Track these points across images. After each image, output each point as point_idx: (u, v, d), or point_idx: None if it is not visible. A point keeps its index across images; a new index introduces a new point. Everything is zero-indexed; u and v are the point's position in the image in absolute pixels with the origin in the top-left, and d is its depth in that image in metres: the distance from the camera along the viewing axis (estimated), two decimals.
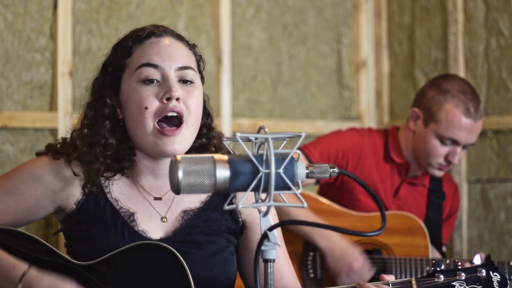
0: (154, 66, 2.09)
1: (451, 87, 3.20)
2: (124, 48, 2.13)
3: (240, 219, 2.22)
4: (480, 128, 3.21)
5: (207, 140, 2.21)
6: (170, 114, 2.07)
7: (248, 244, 2.23)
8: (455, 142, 3.18)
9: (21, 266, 2.05)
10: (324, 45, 4.23)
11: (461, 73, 3.94)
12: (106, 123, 2.12)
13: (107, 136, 2.12)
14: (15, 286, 2.03)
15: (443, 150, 3.20)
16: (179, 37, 2.17)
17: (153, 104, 2.07)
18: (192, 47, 2.19)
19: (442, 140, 3.19)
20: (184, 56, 2.13)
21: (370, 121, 4.28)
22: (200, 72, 2.21)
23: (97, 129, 2.12)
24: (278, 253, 2.18)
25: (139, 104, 2.07)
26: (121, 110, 2.14)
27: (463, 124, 3.16)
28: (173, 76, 2.09)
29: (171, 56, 2.10)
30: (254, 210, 2.22)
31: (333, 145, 3.29)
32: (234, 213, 2.21)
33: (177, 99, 2.07)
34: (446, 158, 3.21)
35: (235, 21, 3.91)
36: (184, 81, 2.12)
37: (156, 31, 2.13)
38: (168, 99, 2.06)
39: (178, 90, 2.07)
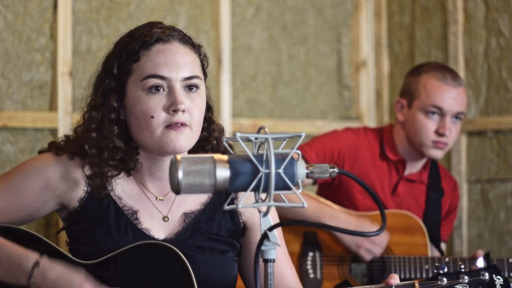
0: (161, 77, 2.09)
1: (427, 67, 3.28)
2: (130, 52, 2.12)
3: (241, 221, 2.22)
4: (462, 96, 3.22)
5: (208, 133, 2.21)
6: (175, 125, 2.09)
7: (249, 246, 2.23)
8: (440, 111, 3.19)
9: (33, 255, 2.07)
10: (324, 45, 4.23)
11: (461, 73, 3.94)
12: (114, 128, 2.13)
13: (115, 141, 2.12)
14: (27, 274, 2.05)
15: (431, 124, 3.21)
16: (185, 40, 2.15)
17: (159, 114, 2.08)
18: (197, 48, 2.18)
19: (427, 112, 3.20)
20: (190, 64, 2.12)
21: (370, 121, 4.28)
22: (204, 70, 2.21)
23: (105, 134, 2.13)
24: (279, 254, 2.18)
25: (145, 113, 2.08)
26: (124, 112, 2.14)
27: (442, 90, 3.19)
28: (179, 87, 2.09)
29: (178, 66, 2.09)
30: (256, 211, 2.22)
31: (329, 145, 3.29)
32: (235, 215, 2.21)
33: (183, 110, 2.08)
34: (437, 132, 3.21)
35: (235, 21, 3.91)
36: (189, 88, 2.12)
37: (163, 37, 2.12)
38: (174, 111, 2.07)
39: (184, 101, 2.08)
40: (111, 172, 2.14)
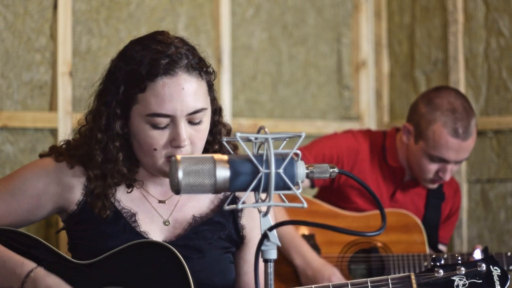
0: (166, 115, 2.06)
1: (441, 104, 3.14)
2: (137, 80, 2.07)
3: (242, 233, 2.23)
4: (471, 145, 3.15)
5: (212, 137, 2.21)
6: None
7: (238, 261, 2.24)
8: (444, 160, 3.16)
9: (30, 263, 2.08)
10: (324, 45, 4.23)
11: (461, 73, 3.94)
12: (119, 155, 2.12)
13: (120, 167, 2.13)
14: (20, 280, 2.06)
15: (433, 167, 3.18)
16: (193, 68, 2.10)
17: (162, 147, 2.08)
18: (205, 72, 2.13)
19: (431, 158, 3.16)
20: (196, 97, 2.08)
21: (370, 121, 4.28)
22: (211, 88, 2.17)
23: (111, 159, 2.12)
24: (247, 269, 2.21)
25: (149, 144, 2.08)
26: (128, 132, 2.13)
27: (451, 145, 3.11)
28: (183, 122, 2.07)
29: (183, 102, 2.06)
30: (255, 228, 2.22)
31: (328, 149, 3.28)
32: (238, 225, 2.22)
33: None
34: (437, 173, 3.20)
35: (235, 21, 3.91)
36: (193, 121, 2.10)
37: (170, 70, 2.06)
38: (177, 146, 2.07)
39: (186, 138, 2.07)
40: (112, 192, 2.15)
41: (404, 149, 3.29)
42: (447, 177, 3.19)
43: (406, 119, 3.29)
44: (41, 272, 2.06)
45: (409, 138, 3.23)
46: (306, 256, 3.09)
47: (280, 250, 3.13)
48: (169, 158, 2.08)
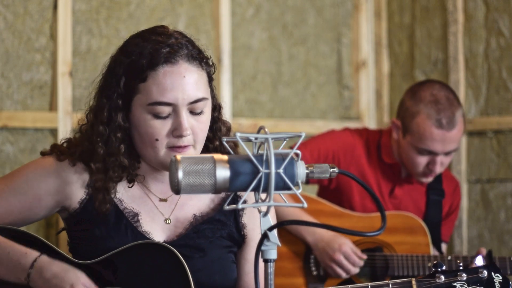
0: (168, 104, 2.07)
1: (424, 96, 3.16)
2: (137, 70, 2.08)
3: (243, 233, 2.22)
4: (457, 136, 3.15)
5: (212, 133, 2.21)
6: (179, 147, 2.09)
7: (240, 261, 2.24)
8: (432, 153, 3.16)
9: (33, 252, 2.08)
10: (324, 45, 4.23)
11: (461, 73, 3.94)
12: (121, 146, 2.12)
13: (121, 159, 2.12)
14: (26, 271, 2.06)
15: (422, 160, 3.18)
16: (193, 57, 2.11)
17: (164, 137, 2.08)
18: (205, 62, 2.14)
19: (419, 151, 3.17)
20: (197, 86, 2.09)
21: (370, 121, 4.28)
22: (211, 79, 2.18)
23: (112, 151, 2.12)
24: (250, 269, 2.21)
25: (150, 135, 2.08)
26: (129, 124, 2.13)
27: (435, 136, 3.12)
28: (185, 112, 2.08)
29: (184, 91, 2.07)
30: (257, 228, 2.22)
31: (324, 145, 3.29)
32: (239, 224, 2.22)
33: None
34: (428, 166, 3.20)
35: (235, 21, 3.91)
36: (195, 111, 2.11)
37: (171, 59, 2.07)
38: (179, 135, 2.07)
39: (188, 127, 2.07)
40: (113, 186, 2.14)
41: (396, 145, 3.30)
42: (437, 170, 3.19)
43: (396, 115, 3.31)
44: (45, 259, 2.07)
45: (398, 133, 3.25)
46: (315, 231, 3.14)
47: (290, 231, 3.15)
48: (171, 149, 2.08)
